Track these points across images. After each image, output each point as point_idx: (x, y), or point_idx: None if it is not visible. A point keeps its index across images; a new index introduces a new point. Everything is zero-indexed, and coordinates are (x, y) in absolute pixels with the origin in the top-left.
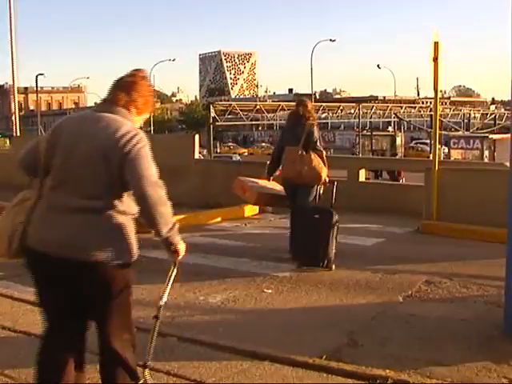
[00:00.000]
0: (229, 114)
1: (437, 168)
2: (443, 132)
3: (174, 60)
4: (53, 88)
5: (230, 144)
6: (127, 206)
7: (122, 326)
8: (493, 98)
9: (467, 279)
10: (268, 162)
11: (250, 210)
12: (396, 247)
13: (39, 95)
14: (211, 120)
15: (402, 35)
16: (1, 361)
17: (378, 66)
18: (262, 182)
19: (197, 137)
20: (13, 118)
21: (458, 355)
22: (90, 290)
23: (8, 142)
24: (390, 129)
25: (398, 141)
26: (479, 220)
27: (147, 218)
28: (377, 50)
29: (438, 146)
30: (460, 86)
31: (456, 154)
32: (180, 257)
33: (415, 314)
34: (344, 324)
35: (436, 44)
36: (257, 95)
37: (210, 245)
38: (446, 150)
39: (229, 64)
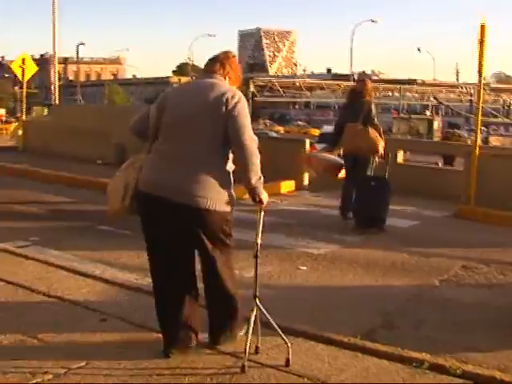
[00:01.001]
0: (267, 91)
1: (477, 153)
2: (483, 118)
3: (213, 36)
4: (92, 59)
5: (267, 121)
6: (228, 161)
7: (226, 264)
8: None
9: (505, 266)
10: (331, 135)
11: (287, 186)
12: (433, 230)
13: (79, 66)
14: (250, 95)
15: (443, 19)
16: (35, 325)
17: (418, 49)
18: (325, 154)
19: None
20: (52, 87)
21: (493, 342)
22: (195, 232)
23: (46, 110)
24: (428, 113)
25: (435, 125)
26: None
27: (242, 165)
28: (417, 33)
29: (479, 131)
30: (500, 72)
31: (495, 141)
32: (264, 205)
33: (451, 298)
34: (379, 305)
35: (482, 27)
36: (295, 74)
37: (245, 219)
38: (484, 136)
39: (268, 41)
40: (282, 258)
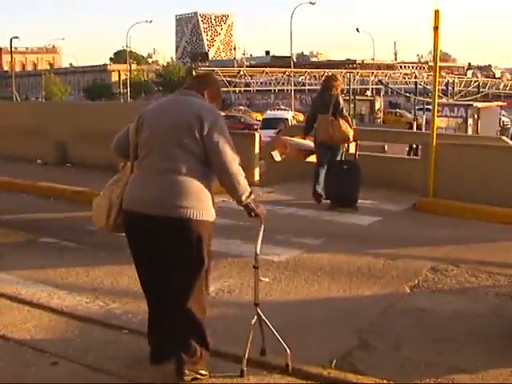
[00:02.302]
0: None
1: (434, 142)
2: (426, 99)
3: (150, 21)
4: (27, 49)
5: None
6: (207, 171)
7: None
8: (469, 64)
9: (474, 266)
10: (304, 125)
11: None
12: (394, 227)
13: (13, 56)
14: None
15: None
16: None
17: (357, 29)
18: (298, 140)
19: None
20: None
21: (479, 360)
22: (175, 244)
23: None
24: (369, 93)
25: (378, 105)
26: (478, 198)
27: (228, 187)
28: (356, 14)
29: (435, 119)
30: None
31: (440, 122)
32: (263, 218)
33: (426, 308)
34: (351, 321)
35: (437, 12)
36: (234, 58)
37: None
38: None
39: (205, 25)
40: (242, 268)
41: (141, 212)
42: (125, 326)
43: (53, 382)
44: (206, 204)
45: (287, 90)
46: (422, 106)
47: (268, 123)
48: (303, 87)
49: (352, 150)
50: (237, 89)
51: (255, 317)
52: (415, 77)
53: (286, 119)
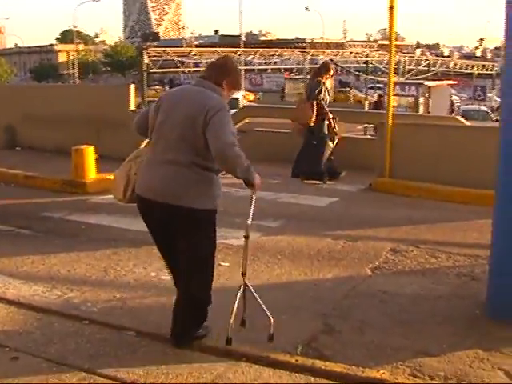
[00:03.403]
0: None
1: (390, 122)
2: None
3: (98, 1)
4: None
5: (157, 87)
6: (211, 162)
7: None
8: (417, 42)
9: (434, 247)
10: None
11: None
12: (352, 208)
13: None
14: (145, 67)
15: None
16: None
17: (306, 8)
18: None
19: (132, 86)
20: None
21: (444, 342)
22: (181, 231)
23: None
24: None
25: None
26: (435, 178)
27: (228, 171)
28: None
29: (391, 99)
30: (385, 29)
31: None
32: (256, 188)
33: (388, 290)
34: (315, 305)
35: None
36: (183, 37)
37: None
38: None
39: (153, 4)
40: None
41: (149, 199)
42: (85, 316)
43: (14, 377)
44: (206, 194)
45: None
46: (372, 85)
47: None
48: (253, 67)
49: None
50: (186, 69)
51: (241, 287)
52: (367, 56)
53: (237, 99)
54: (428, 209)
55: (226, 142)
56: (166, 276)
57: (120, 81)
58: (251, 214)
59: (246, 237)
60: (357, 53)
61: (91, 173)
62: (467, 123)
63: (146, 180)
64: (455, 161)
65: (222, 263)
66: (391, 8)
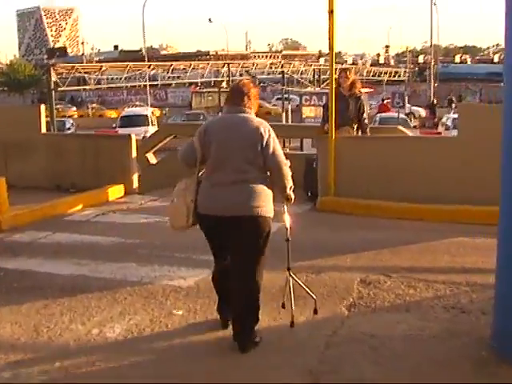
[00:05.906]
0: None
1: (333, 136)
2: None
3: None
4: None
5: (58, 106)
6: (266, 176)
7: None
8: (320, 51)
9: (406, 275)
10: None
11: (115, 191)
12: (304, 233)
13: None
14: (53, 85)
15: None
16: None
17: (209, 19)
18: None
19: (43, 107)
20: None
21: None
22: (247, 235)
23: None
24: (224, 85)
25: None
26: (383, 194)
27: (280, 186)
28: (208, 4)
29: (333, 112)
30: (287, 38)
31: (308, 112)
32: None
33: (375, 334)
34: (296, 359)
35: None
36: (83, 53)
37: (79, 245)
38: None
39: (49, 20)
40: (146, 300)
41: (217, 215)
42: None
43: None
44: (270, 203)
45: (139, 86)
46: (279, 96)
47: (127, 121)
48: (155, 82)
49: None
50: (94, 86)
51: (290, 281)
52: (282, 66)
53: (146, 116)
54: (383, 229)
55: (282, 161)
56: (112, 333)
57: (18, 101)
58: (288, 220)
59: (288, 239)
60: (272, 63)
61: (4, 207)
62: (410, 133)
63: (214, 201)
64: (404, 174)
65: (175, 311)
66: (331, 12)
